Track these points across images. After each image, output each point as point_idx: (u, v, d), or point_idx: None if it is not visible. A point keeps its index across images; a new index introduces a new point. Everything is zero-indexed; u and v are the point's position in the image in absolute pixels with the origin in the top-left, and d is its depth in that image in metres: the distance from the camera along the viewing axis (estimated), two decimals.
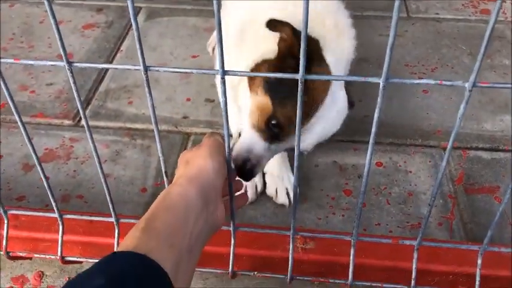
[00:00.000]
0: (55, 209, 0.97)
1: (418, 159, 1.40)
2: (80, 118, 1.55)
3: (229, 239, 0.95)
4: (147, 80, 0.70)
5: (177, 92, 1.64)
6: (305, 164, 1.39)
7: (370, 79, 0.67)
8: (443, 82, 0.67)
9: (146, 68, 0.70)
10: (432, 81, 0.67)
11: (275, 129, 0.98)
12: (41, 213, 1.07)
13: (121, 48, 1.84)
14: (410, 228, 1.21)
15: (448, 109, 1.56)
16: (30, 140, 0.84)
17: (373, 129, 0.73)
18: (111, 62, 1.77)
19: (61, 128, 1.53)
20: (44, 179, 0.91)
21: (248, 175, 0.98)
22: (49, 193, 0.93)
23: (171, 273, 0.62)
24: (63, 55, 0.69)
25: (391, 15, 0.60)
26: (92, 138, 0.82)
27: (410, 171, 1.36)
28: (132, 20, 0.61)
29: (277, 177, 1.29)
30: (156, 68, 0.69)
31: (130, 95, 1.63)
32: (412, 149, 1.43)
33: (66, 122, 1.54)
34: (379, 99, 0.69)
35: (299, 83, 0.66)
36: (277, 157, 1.26)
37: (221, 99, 0.71)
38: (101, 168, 0.86)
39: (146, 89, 0.72)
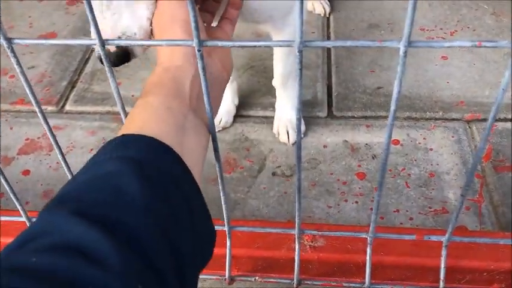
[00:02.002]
0: (22, 214, 0.84)
1: (439, 134, 1.25)
2: (64, 104, 1.42)
3: (224, 239, 0.81)
4: None
5: None
6: (312, 145, 1.24)
7: (387, 43, 0.51)
8: (484, 43, 0.51)
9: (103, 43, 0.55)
10: (468, 43, 0.52)
11: None
12: (12, 218, 0.94)
13: None
14: (434, 214, 1.07)
15: (471, 77, 1.39)
16: None
17: (392, 107, 0.57)
18: None
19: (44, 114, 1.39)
20: (5, 184, 0.78)
21: None
22: (14, 199, 0.80)
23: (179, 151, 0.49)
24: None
25: None
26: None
27: (431, 149, 1.21)
28: None
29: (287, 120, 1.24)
30: None
31: (118, 76, 1.48)
32: (432, 123, 1.27)
33: (49, 108, 1.40)
34: (399, 68, 0.53)
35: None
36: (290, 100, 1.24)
37: (201, 75, 0.56)
38: (65, 160, 0.73)
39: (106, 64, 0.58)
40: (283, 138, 1.26)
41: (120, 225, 0.40)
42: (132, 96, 1.40)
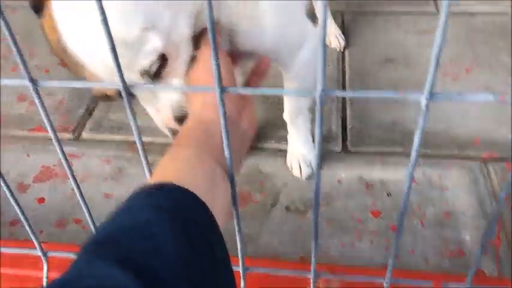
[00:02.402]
0: (37, 246, 0.84)
1: (455, 173, 1.24)
2: (81, 132, 1.43)
3: (238, 279, 0.81)
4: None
5: None
6: (326, 180, 1.23)
7: (410, 95, 0.51)
8: (506, 98, 0.51)
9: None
10: (490, 97, 0.51)
11: None
12: (26, 251, 0.94)
13: None
14: (450, 256, 1.05)
15: (488, 114, 1.38)
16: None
17: (413, 154, 0.57)
18: None
19: (60, 142, 1.40)
20: (21, 216, 0.78)
21: None
22: (30, 232, 0.80)
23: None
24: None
25: (420, 10, 0.45)
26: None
27: (447, 188, 1.20)
28: None
29: (300, 155, 1.26)
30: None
31: (135, 105, 1.50)
32: (448, 162, 1.27)
33: (66, 135, 1.42)
34: (420, 121, 0.53)
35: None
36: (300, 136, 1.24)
37: (222, 121, 0.56)
38: (79, 189, 0.73)
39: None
40: (295, 172, 1.26)
41: (152, 272, 0.42)
42: (148, 126, 1.41)
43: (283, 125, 1.36)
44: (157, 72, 0.74)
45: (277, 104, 1.47)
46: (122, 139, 1.40)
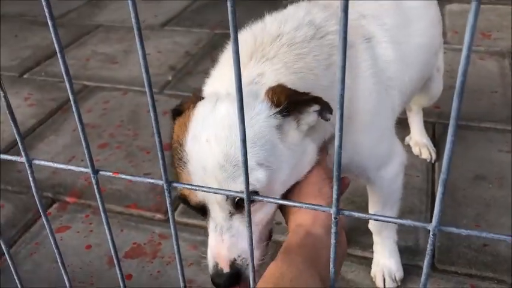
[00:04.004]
0: None
1: None
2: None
3: None
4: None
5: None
6: None
7: (418, 224, 0.52)
8: None
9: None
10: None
11: None
12: None
13: None
14: None
15: None
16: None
17: None
18: None
19: (152, 222, 1.48)
20: None
21: None
22: None
23: None
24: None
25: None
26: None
27: None
28: None
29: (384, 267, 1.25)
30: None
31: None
32: None
33: (158, 216, 1.50)
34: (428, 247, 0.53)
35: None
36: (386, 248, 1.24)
37: (332, 240, 0.59)
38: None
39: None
40: (379, 283, 1.24)
41: None
42: None
43: (368, 231, 1.36)
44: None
45: (364, 208, 1.47)
46: None
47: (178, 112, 0.83)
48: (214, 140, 0.74)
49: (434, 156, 1.65)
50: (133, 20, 0.53)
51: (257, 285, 0.59)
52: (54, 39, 0.55)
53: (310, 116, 0.77)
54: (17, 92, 2.20)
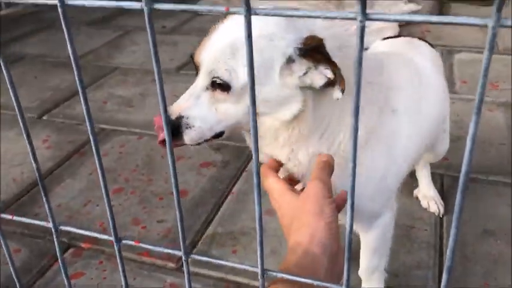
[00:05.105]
0: None
1: None
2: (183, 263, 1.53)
3: None
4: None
5: (283, 245, 1.58)
6: None
7: None
8: None
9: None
10: None
11: None
12: None
13: (232, 191, 1.86)
14: None
15: None
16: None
17: None
18: (221, 204, 1.79)
19: (164, 270, 1.51)
20: None
21: None
22: None
23: None
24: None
25: None
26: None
27: None
28: None
29: None
30: None
31: (235, 243, 1.60)
32: None
33: (170, 264, 1.53)
34: None
35: None
36: None
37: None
38: None
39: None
40: None
41: None
42: (245, 270, 1.48)
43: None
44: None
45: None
46: (219, 276, 1.48)
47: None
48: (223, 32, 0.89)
49: (442, 210, 1.68)
50: (154, 64, 0.57)
51: None
52: (77, 81, 0.60)
53: (319, 76, 0.84)
54: (37, 134, 2.27)
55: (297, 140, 0.94)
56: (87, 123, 0.69)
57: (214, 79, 0.87)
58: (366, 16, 0.41)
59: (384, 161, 1.02)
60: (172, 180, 0.65)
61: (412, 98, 1.10)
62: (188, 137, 0.91)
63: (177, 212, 0.68)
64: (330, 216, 0.77)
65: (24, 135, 0.74)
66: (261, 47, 0.84)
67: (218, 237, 1.64)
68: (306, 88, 0.87)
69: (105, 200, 0.76)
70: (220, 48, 0.86)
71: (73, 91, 2.67)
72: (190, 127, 0.90)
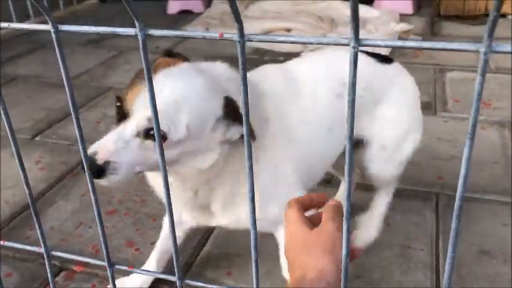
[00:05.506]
0: None
1: None
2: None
3: None
4: None
5: (277, 266, 1.57)
6: None
7: None
8: None
9: None
10: None
11: None
12: None
13: None
14: None
15: None
16: None
17: None
18: None
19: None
20: None
21: None
22: None
23: None
24: None
25: None
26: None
27: None
28: None
29: None
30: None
31: (230, 264, 1.59)
32: None
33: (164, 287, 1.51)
34: None
35: None
36: None
37: None
38: None
39: None
40: None
41: None
42: None
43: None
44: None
45: (369, 283, 1.48)
46: None
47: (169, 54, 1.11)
48: (168, 89, 0.95)
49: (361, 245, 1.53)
50: (147, 87, 0.57)
51: None
52: (70, 102, 0.60)
53: (234, 131, 1.01)
54: (30, 154, 2.25)
55: (204, 183, 1.10)
56: (80, 145, 0.69)
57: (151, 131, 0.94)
58: (359, 42, 0.41)
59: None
60: (166, 200, 0.64)
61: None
62: (112, 181, 0.96)
63: (171, 237, 0.68)
64: (340, 260, 0.76)
65: (17, 161, 0.74)
66: (200, 107, 0.98)
67: (213, 258, 1.62)
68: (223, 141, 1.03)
69: (98, 225, 0.76)
70: (165, 103, 0.93)
71: (66, 111, 2.66)
72: (116, 173, 0.95)
